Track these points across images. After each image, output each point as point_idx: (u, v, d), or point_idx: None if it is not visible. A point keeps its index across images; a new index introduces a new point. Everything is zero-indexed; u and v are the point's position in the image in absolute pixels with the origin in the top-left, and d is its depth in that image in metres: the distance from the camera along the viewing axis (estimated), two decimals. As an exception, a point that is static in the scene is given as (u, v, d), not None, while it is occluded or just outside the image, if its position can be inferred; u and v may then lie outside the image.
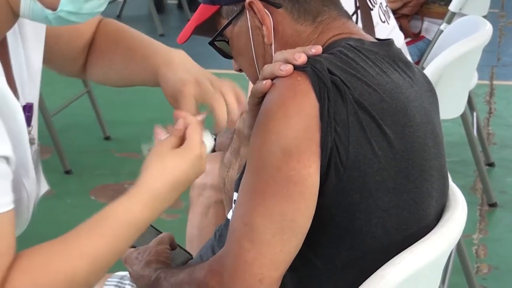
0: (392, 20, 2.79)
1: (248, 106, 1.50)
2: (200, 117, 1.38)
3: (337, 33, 1.53)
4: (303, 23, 1.54)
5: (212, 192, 2.28)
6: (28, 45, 1.41)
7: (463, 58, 2.77)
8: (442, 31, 3.47)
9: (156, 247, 1.65)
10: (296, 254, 1.41)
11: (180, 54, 1.50)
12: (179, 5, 7.30)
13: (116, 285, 1.74)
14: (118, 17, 6.65)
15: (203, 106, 1.43)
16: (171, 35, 6.59)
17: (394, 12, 3.35)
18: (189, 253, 1.72)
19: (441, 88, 2.61)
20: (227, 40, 1.62)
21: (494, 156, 4.16)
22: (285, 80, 1.42)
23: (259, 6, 1.54)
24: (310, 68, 1.41)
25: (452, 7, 3.52)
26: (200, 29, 1.67)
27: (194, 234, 2.30)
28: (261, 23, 1.55)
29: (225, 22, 1.60)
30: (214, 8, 1.62)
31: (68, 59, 1.58)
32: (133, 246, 1.65)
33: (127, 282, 1.72)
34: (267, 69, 1.45)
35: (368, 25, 2.59)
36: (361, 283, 1.40)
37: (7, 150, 1.18)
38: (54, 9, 1.25)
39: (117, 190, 3.80)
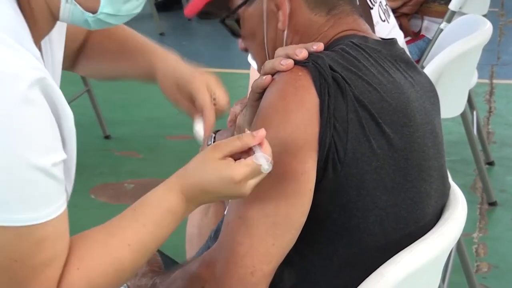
0: (392, 19, 2.79)
1: (248, 101, 1.50)
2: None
3: (345, 28, 1.52)
4: (318, 13, 1.53)
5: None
6: (53, 39, 1.42)
7: (463, 57, 2.77)
8: (442, 30, 3.47)
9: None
10: (289, 249, 1.41)
11: (174, 55, 1.52)
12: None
13: None
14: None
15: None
16: (170, 34, 6.60)
17: (394, 11, 3.35)
18: (175, 261, 1.73)
19: (441, 87, 2.61)
20: (238, 19, 1.60)
21: (494, 155, 4.16)
22: (285, 75, 1.42)
23: None
24: (311, 64, 1.41)
25: (452, 6, 3.52)
26: (211, 5, 1.64)
27: (194, 233, 2.30)
28: (277, 8, 1.53)
29: (239, 1, 1.58)
30: None
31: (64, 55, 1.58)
32: None
33: None
34: (268, 64, 1.45)
35: (368, 24, 2.60)
36: (359, 281, 1.40)
37: (64, 154, 1.19)
38: (93, 12, 1.27)
39: (117, 189, 3.81)
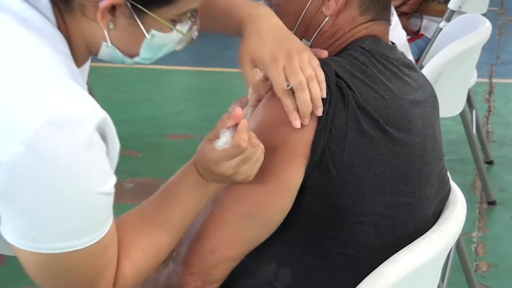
0: (395, 17, 2.80)
1: (250, 102, 1.50)
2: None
3: (364, 34, 1.51)
4: (364, 16, 1.51)
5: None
6: None
7: (462, 56, 2.77)
8: (441, 29, 3.47)
9: None
10: (259, 243, 1.43)
11: (266, 12, 1.46)
12: None
13: None
14: None
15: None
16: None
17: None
18: None
19: (440, 86, 2.61)
20: None
21: (493, 154, 4.16)
22: None
23: None
24: None
25: (451, 5, 3.52)
26: None
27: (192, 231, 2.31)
28: None
29: None
30: None
31: None
32: None
33: None
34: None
35: None
36: (354, 280, 1.40)
37: (114, 177, 1.26)
38: (132, 57, 1.34)
39: (116, 188, 3.77)
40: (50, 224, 1.20)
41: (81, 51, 1.33)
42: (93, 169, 1.20)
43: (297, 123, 1.38)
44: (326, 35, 1.52)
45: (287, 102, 1.38)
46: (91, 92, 1.28)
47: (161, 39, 1.32)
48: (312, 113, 1.38)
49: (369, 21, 1.51)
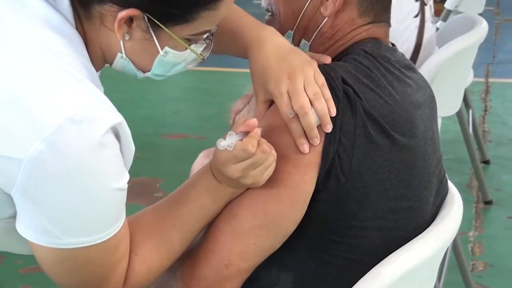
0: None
1: (257, 104, 1.48)
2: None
3: (365, 37, 1.51)
4: (363, 18, 1.51)
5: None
6: None
7: (458, 56, 2.78)
8: (438, 28, 3.47)
9: None
10: (271, 252, 1.42)
11: (270, 33, 1.47)
12: None
13: None
14: None
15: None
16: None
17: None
18: None
19: (437, 85, 2.61)
20: None
21: (490, 154, 4.16)
22: None
23: None
24: (324, 76, 1.40)
25: (448, 5, 3.52)
26: None
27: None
28: None
29: None
30: None
31: None
32: None
33: None
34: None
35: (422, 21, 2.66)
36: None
37: (127, 174, 1.30)
38: (144, 71, 1.36)
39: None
40: (68, 220, 1.23)
41: (97, 58, 1.34)
42: (109, 166, 1.23)
43: (305, 148, 1.38)
44: (326, 36, 1.52)
45: (294, 128, 1.38)
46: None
47: (174, 57, 1.34)
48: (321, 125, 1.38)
49: (369, 23, 1.51)
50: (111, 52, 1.33)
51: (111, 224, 1.27)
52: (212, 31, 1.36)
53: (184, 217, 1.39)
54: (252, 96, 1.50)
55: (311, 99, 1.38)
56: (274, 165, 1.37)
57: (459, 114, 3.39)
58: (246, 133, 1.34)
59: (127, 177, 1.28)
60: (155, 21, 1.28)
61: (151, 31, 1.29)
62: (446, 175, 1.59)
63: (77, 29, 1.31)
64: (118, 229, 1.28)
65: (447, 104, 2.94)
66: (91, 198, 1.22)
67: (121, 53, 1.32)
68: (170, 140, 4.41)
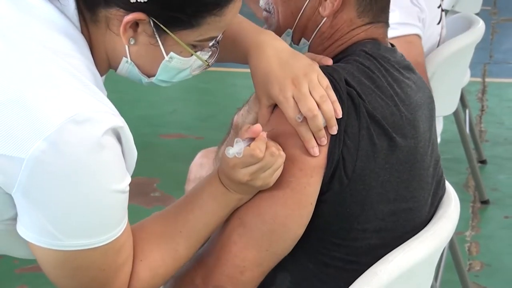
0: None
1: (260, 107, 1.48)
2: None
3: (364, 37, 1.51)
4: (362, 18, 1.50)
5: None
6: None
7: (455, 56, 2.78)
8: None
9: None
10: (283, 256, 1.42)
11: (269, 37, 1.47)
12: None
13: None
14: None
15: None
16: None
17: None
18: None
19: (434, 85, 2.61)
20: None
21: (486, 154, 4.17)
22: None
23: None
24: (327, 78, 1.41)
25: (444, 5, 3.52)
26: None
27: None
28: None
29: None
30: None
31: None
32: None
33: None
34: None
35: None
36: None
37: (129, 177, 1.30)
38: (149, 76, 1.36)
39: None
40: (69, 221, 1.22)
41: (102, 62, 1.34)
42: (110, 167, 1.23)
43: (315, 151, 1.38)
44: (325, 35, 1.52)
45: (302, 132, 1.38)
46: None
47: (179, 63, 1.34)
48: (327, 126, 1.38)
49: (367, 23, 1.51)
50: (116, 56, 1.33)
51: (113, 227, 1.26)
52: (218, 38, 1.36)
53: (191, 223, 1.38)
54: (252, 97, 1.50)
55: (318, 102, 1.38)
56: (282, 165, 1.37)
57: (456, 113, 3.40)
58: (252, 139, 1.35)
59: (128, 179, 1.27)
60: (161, 25, 1.28)
61: (157, 35, 1.29)
62: (444, 176, 1.59)
63: (82, 32, 1.31)
64: (120, 233, 1.27)
65: (444, 104, 2.94)
66: (91, 198, 1.22)
67: (126, 57, 1.32)
68: (167, 140, 4.41)
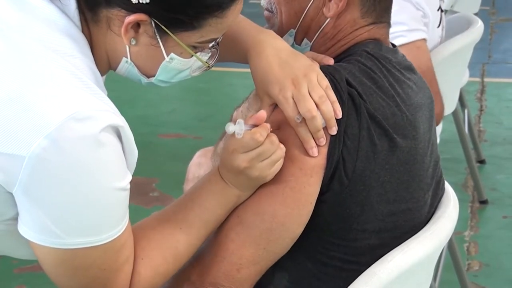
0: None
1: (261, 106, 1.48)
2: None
3: (366, 38, 1.51)
4: (365, 18, 1.50)
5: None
6: None
7: (454, 56, 2.78)
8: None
9: None
10: (281, 255, 1.42)
11: (269, 36, 1.46)
12: None
13: None
14: None
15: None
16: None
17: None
18: None
19: (433, 85, 2.61)
20: None
21: (485, 153, 4.17)
22: None
23: None
24: (328, 78, 1.41)
25: (443, 5, 3.51)
26: None
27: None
28: None
29: None
30: None
31: None
32: None
33: None
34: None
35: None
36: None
37: (130, 175, 1.30)
38: (148, 76, 1.36)
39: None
40: (70, 219, 1.23)
41: (102, 62, 1.35)
42: (110, 164, 1.23)
43: (314, 152, 1.38)
44: (327, 36, 1.51)
45: (301, 133, 1.38)
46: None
47: (179, 64, 1.34)
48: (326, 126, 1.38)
49: (370, 24, 1.51)
50: (116, 56, 1.34)
51: (114, 226, 1.26)
52: (218, 39, 1.36)
53: (191, 221, 1.38)
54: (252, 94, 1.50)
55: (317, 102, 1.38)
56: (282, 161, 1.37)
57: (454, 113, 3.40)
58: (254, 126, 1.35)
59: (129, 177, 1.28)
60: (162, 27, 1.28)
61: (158, 36, 1.30)
62: (443, 176, 1.59)
63: (83, 32, 1.31)
64: (121, 231, 1.27)
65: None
66: (92, 196, 1.22)
67: (126, 57, 1.32)
68: (165, 139, 4.41)
